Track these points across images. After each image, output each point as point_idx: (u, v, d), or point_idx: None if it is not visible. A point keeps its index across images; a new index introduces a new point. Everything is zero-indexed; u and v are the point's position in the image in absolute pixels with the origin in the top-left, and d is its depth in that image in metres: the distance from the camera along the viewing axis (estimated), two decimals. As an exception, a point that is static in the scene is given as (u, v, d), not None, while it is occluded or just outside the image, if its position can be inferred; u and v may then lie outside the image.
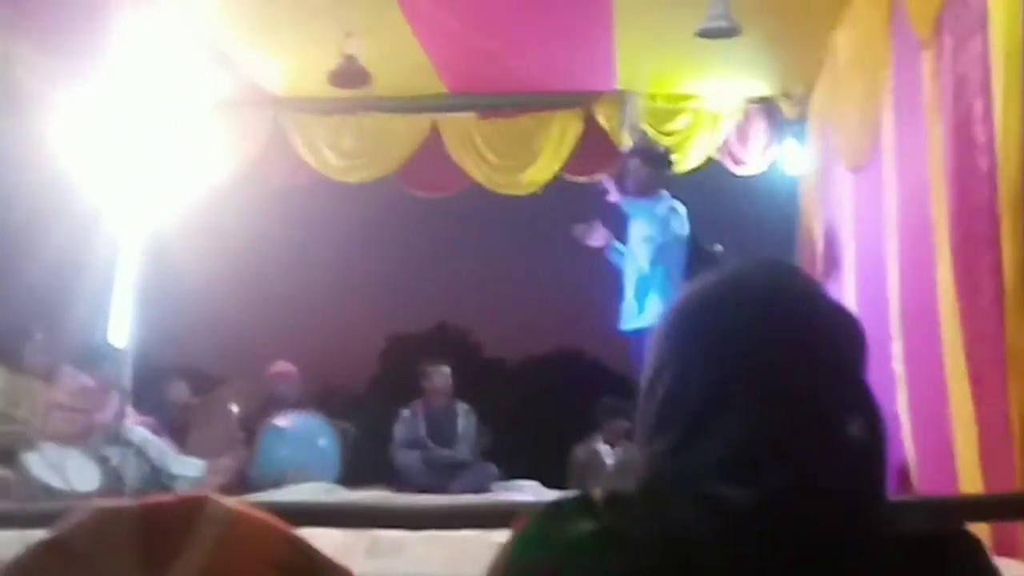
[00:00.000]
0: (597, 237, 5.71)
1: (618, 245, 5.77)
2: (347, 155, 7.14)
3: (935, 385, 3.99)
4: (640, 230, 5.63)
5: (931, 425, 4.19)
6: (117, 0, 5.31)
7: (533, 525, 0.98)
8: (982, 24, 3.35)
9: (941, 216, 3.87)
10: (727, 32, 5.16)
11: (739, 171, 7.16)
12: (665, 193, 5.69)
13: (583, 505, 0.97)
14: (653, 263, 5.47)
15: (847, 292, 5.70)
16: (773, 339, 0.91)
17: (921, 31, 4.07)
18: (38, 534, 0.89)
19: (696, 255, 5.42)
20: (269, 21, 5.70)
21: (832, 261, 6.19)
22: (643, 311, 5.40)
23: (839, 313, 0.97)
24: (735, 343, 0.92)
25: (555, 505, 1.00)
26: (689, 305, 0.98)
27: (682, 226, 5.63)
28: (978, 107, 3.42)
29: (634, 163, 5.77)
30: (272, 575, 0.82)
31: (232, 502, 0.95)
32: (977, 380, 3.62)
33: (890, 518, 0.91)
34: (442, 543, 3.60)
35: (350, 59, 5.63)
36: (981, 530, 3.52)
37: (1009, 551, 3.29)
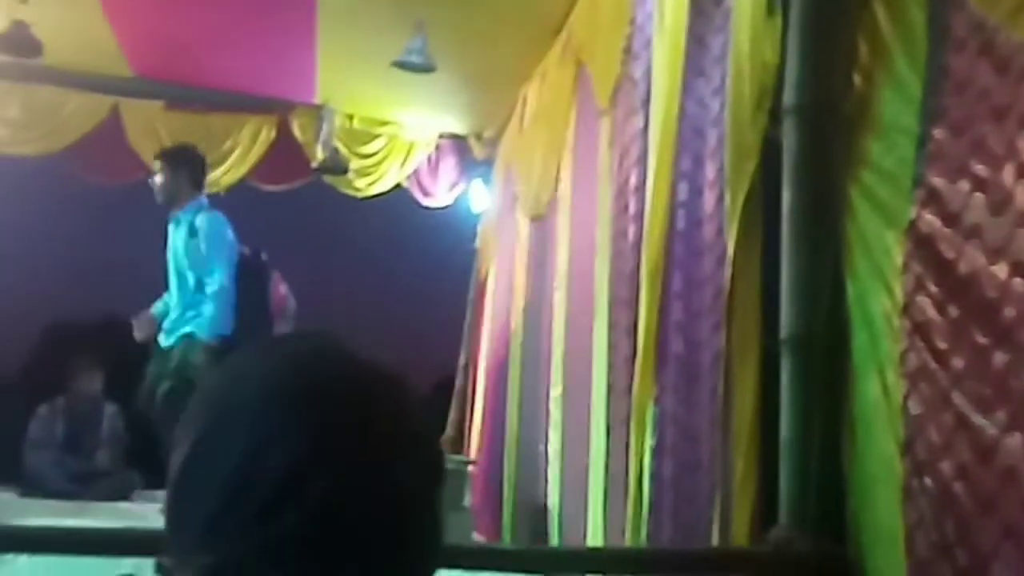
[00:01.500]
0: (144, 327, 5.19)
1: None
2: (12, 125, 6.54)
3: (581, 433, 4.22)
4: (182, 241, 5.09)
5: (573, 471, 4.42)
6: None
7: None
8: (644, 101, 3.61)
9: (603, 274, 4.12)
10: (422, 67, 5.25)
11: (426, 202, 7.29)
12: (203, 200, 5.18)
13: None
14: (207, 273, 5.01)
15: (514, 333, 5.93)
16: (353, 423, 0.84)
17: (600, 100, 4.33)
18: None
19: (245, 264, 5.14)
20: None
21: (502, 300, 6.44)
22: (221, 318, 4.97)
23: (398, 383, 0.91)
24: (311, 422, 0.83)
25: None
26: (256, 380, 0.87)
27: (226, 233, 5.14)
28: (634, 178, 3.68)
29: (164, 171, 5.13)
30: None
31: None
32: (611, 432, 3.87)
33: None
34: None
35: (20, 25, 5.15)
36: None
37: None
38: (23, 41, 5.21)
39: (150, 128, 6.70)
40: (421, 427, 0.90)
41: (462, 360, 7.39)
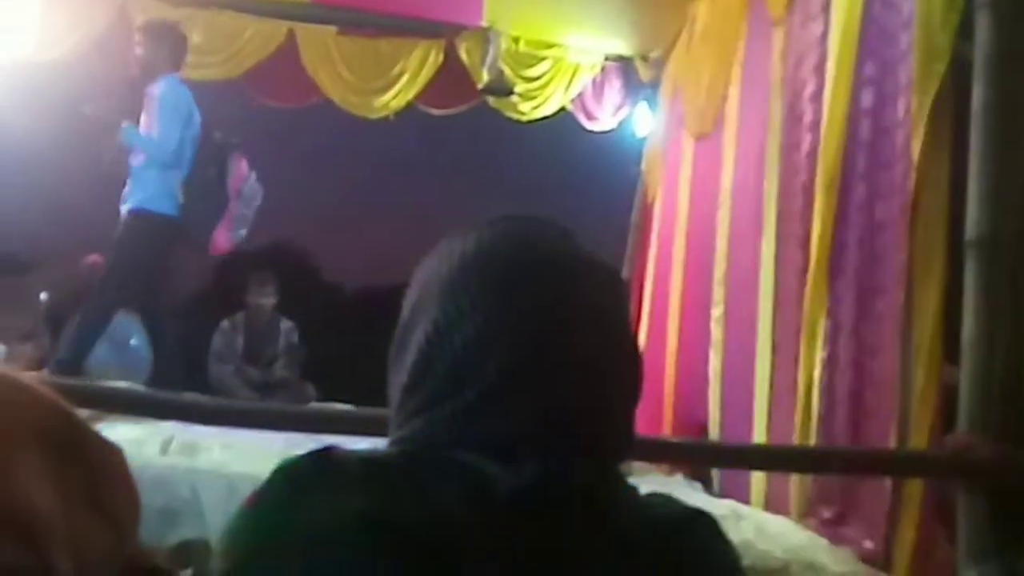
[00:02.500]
0: None
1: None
2: (196, 51, 6.83)
3: (745, 351, 4.18)
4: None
5: (735, 390, 4.39)
6: None
7: (270, 498, 0.81)
8: (824, 7, 3.48)
9: (772, 190, 4.04)
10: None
11: (590, 126, 7.25)
12: (176, 78, 5.24)
13: (332, 471, 0.81)
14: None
15: (676, 256, 5.89)
16: (566, 323, 0.86)
17: (774, 9, 4.20)
18: None
19: (203, 142, 5.23)
20: None
21: (666, 224, 6.38)
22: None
23: (605, 272, 0.92)
24: (502, 304, 0.85)
25: (295, 469, 0.83)
26: (456, 257, 0.90)
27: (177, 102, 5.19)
28: (811, 87, 3.57)
29: (145, 44, 5.22)
30: (32, 443, 0.78)
31: (2, 366, 0.91)
32: (777, 347, 3.82)
33: (632, 500, 0.88)
34: (240, 446, 3.56)
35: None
36: (758, 482, 3.74)
37: (781, 507, 3.51)
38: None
39: (324, 53, 6.89)
40: (614, 312, 0.91)
41: (624, 284, 7.38)
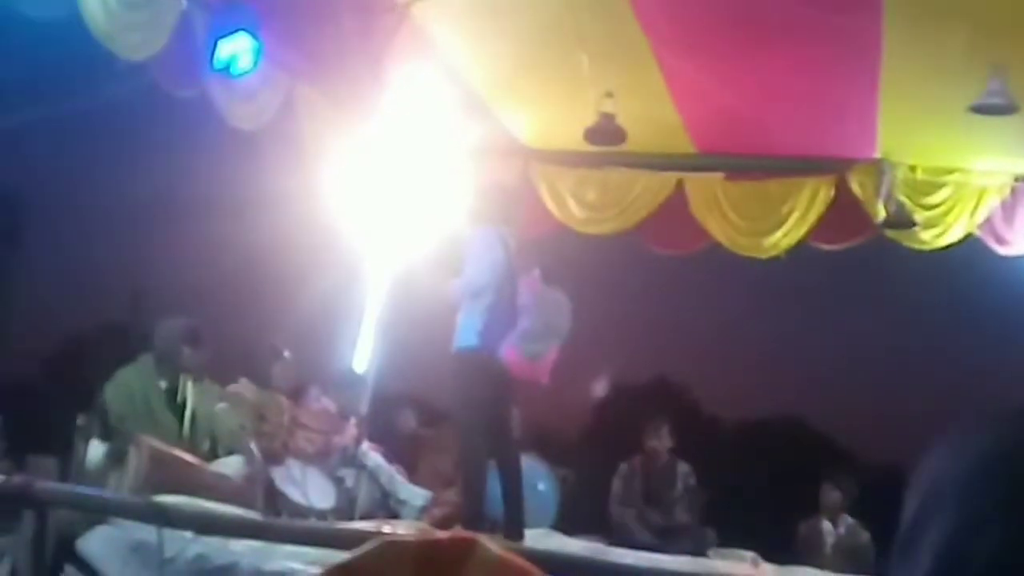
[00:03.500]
0: None
1: None
2: (591, 207, 7.25)
3: None
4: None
5: None
6: (394, 49, 5.64)
7: None
8: None
9: None
10: (1003, 110, 4.93)
11: (1002, 251, 6.74)
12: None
13: None
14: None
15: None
16: None
17: None
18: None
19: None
20: (529, 77, 5.92)
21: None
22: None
23: None
24: None
25: None
26: (971, 455, 0.85)
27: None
28: None
29: None
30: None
31: (498, 548, 1.01)
32: None
33: None
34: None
35: (608, 117, 5.73)
36: None
37: None
38: (611, 132, 5.78)
39: (712, 199, 7.03)
40: None
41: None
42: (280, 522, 4.03)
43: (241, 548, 3.19)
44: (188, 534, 3.09)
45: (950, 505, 0.84)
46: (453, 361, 5.40)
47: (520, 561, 1.00)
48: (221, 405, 5.50)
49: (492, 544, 1.01)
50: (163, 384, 5.32)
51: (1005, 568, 0.80)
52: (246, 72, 4.82)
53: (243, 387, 5.98)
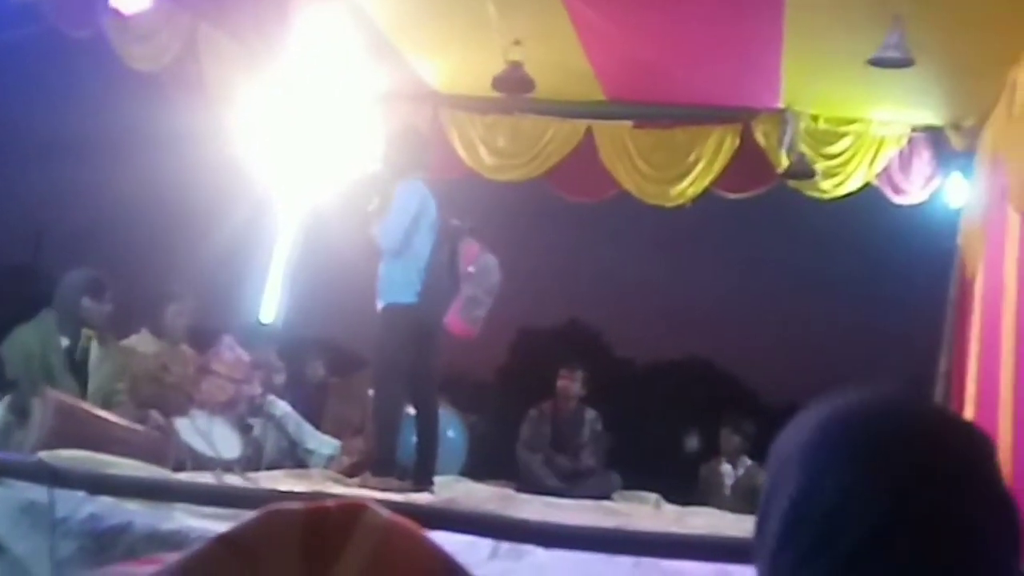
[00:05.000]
0: None
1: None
2: (501, 154, 7.23)
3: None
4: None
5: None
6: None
7: None
8: None
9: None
10: (900, 63, 5.03)
11: (898, 200, 6.95)
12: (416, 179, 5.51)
13: None
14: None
15: (1005, 335, 5.47)
16: (936, 479, 0.84)
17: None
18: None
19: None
20: (438, 22, 5.85)
21: (991, 302, 5.95)
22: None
23: (967, 428, 0.90)
24: (894, 475, 0.84)
25: None
26: (812, 424, 0.91)
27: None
28: None
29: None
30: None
31: (386, 512, 1.01)
32: None
33: None
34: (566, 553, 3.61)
35: (515, 65, 5.71)
36: None
37: None
38: (518, 80, 5.76)
39: (620, 147, 7.07)
40: (1002, 488, 0.88)
41: (942, 367, 6.92)
42: (175, 482, 3.96)
43: (136, 507, 3.14)
44: (81, 493, 3.03)
45: (794, 470, 0.90)
46: (385, 314, 5.40)
47: (408, 525, 1.00)
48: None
49: (380, 509, 1.01)
50: (64, 342, 5.17)
51: (840, 520, 0.84)
52: (142, 9, 4.67)
53: (142, 338, 5.86)
